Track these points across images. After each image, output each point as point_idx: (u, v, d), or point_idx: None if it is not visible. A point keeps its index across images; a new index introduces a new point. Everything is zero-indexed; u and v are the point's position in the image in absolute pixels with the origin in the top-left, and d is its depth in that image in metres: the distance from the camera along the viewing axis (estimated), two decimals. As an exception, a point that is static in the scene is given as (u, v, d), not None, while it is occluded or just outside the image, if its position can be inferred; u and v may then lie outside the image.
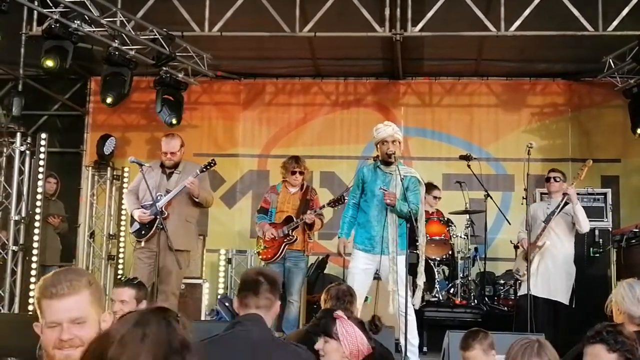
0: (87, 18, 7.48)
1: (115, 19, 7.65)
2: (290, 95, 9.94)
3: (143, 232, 6.17)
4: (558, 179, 6.76)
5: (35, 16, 7.81)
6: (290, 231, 6.76)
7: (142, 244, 6.18)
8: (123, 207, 8.70)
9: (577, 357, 3.38)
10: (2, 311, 7.29)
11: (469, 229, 8.17)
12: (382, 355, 4.15)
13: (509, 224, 8.16)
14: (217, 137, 9.85)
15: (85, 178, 9.77)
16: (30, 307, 7.58)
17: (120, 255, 9.30)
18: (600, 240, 7.63)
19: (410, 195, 5.59)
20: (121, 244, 9.29)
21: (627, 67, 8.12)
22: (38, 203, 7.68)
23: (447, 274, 8.15)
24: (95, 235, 9.67)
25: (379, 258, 5.66)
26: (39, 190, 7.68)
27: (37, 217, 7.66)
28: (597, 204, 7.86)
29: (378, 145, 5.80)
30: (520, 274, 6.68)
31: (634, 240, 7.21)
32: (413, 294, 5.96)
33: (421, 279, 5.89)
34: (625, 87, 8.40)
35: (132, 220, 6.30)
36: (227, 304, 8.05)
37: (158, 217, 5.93)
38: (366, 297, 6.06)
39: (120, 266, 9.29)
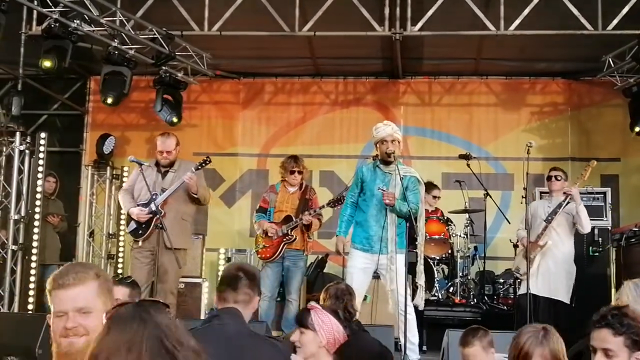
0: (86, 17, 7.48)
1: (114, 18, 7.66)
2: (289, 94, 9.94)
3: (140, 231, 6.17)
4: (559, 178, 6.76)
5: (34, 15, 7.81)
6: (289, 230, 6.76)
7: (140, 243, 6.19)
8: (122, 206, 8.72)
9: (577, 354, 3.39)
10: (1, 310, 7.30)
11: (469, 228, 8.18)
12: (381, 354, 4.15)
13: (509, 223, 8.17)
14: (217, 136, 9.85)
15: (85, 177, 9.79)
16: (30, 307, 7.59)
17: (120, 255, 9.32)
18: (600, 239, 7.63)
19: (409, 195, 5.59)
20: (120, 243, 9.30)
21: (627, 66, 8.11)
22: (37, 202, 7.69)
23: (446, 273, 8.16)
24: (94, 234, 9.68)
25: (377, 257, 5.66)
26: (39, 189, 7.68)
27: (37, 217, 7.67)
28: (596, 203, 7.86)
29: (377, 145, 5.80)
30: (520, 272, 6.67)
31: (633, 239, 7.20)
32: (413, 293, 5.96)
33: (421, 279, 5.89)
34: (624, 86, 8.39)
35: (129, 219, 6.30)
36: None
37: (158, 216, 5.94)
38: (365, 296, 6.07)
39: (119, 265, 9.31)
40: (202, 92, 9.93)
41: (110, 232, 9.61)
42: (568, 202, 6.51)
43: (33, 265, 7.61)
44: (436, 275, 7.82)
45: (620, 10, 7.29)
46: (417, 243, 5.95)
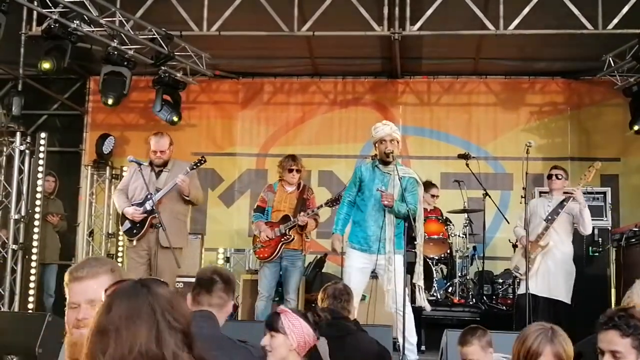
0: (86, 18, 7.49)
1: (114, 18, 7.67)
2: (288, 94, 9.94)
3: (135, 231, 6.19)
4: (560, 177, 6.74)
5: (34, 16, 7.82)
6: (287, 230, 6.77)
7: (134, 242, 6.21)
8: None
9: (577, 355, 3.39)
10: (2, 309, 7.31)
11: (468, 227, 8.18)
12: (380, 354, 4.16)
13: (508, 222, 8.16)
14: (216, 136, 9.86)
15: (85, 177, 9.80)
16: (30, 306, 7.61)
17: (119, 254, 9.32)
18: (600, 239, 7.60)
19: (408, 196, 5.57)
20: (120, 243, 9.31)
21: (627, 65, 8.10)
22: (37, 202, 7.71)
23: (445, 272, 8.16)
24: (94, 234, 9.70)
25: (375, 257, 5.65)
26: (39, 189, 7.71)
27: (37, 216, 7.70)
28: (596, 202, 7.85)
29: (376, 144, 5.79)
30: (520, 272, 6.65)
31: (633, 240, 7.19)
32: (411, 294, 5.96)
33: (421, 280, 5.89)
34: (624, 85, 8.38)
35: (123, 219, 6.32)
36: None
37: (157, 215, 5.95)
38: (364, 296, 6.06)
39: (119, 265, 9.31)
40: (201, 92, 9.94)
41: (110, 232, 9.63)
42: (567, 201, 6.49)
43: (33, 264, 7.63)
44: (435, 275, 7.82)
45: (620, 10, 7.28)
46: (415, 243, 5.95)
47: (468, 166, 7.84)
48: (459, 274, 7.94)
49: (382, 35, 7.81)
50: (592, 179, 6.73)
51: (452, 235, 8.08)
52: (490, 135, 9.56)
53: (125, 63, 7.96)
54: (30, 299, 7.64)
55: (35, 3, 7.41)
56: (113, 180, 9.69)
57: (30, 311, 7.51)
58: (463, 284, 7.94)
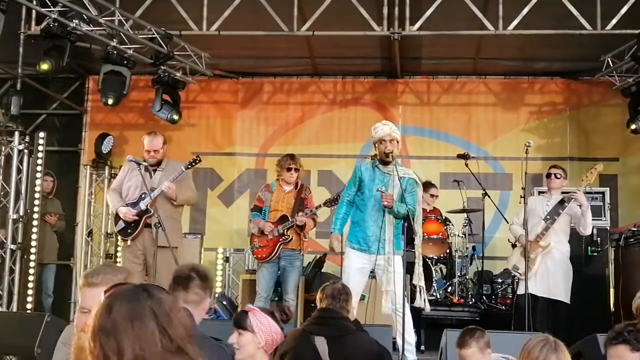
0: (85, 17, 7.47)
1: (113, 18, 7.65)
2: (288, 94, 9.94)
3: (129, 230, 6.20)
4: (559, 176, 6.74)
5: (33, 15, 7.81)
6: (286, 230, 6.76)
7: (129, 242, 6.20)
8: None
9: (577, 354, 3.40)
10: (0, 309, 7.30)
11: (467, 227, 8.17)
12: (380, 354, 4.16)
13: (507, 222, 8.15)
14: (215, 135, 9.85)
15: (83, 177, 9.79)
16: (29, 306, 7.60)
17: (118, 254, 9.30)
18: (599, 239, 7.60)
19: (407, 197, 5.56)
20: (119, 243, 9.28)
21: (626, 65, 8.11)
22: (36, 202, 7.71)
23: (444, 272, 8.16)
24: (93, 233, 9.69)
25: (374, 258, 5.63)
26: (37, 189, 7.70)
27: (35, 216, 7.69)
28: (595, 202, 7.84)
29: (376, 144, 5.77)
30: (520, 272, 6.65)
31: (632, 239, 7.19)
32: (410, 294, 5.96)
33: (421, 280, 5.88)
34: (623, 85, 8.38)
35: (117, 218, 6.32)
36: (224, 302, 8.06)
37: (157, 215, 5.94)
38: (363, 296, 6.06)
39: (118, 264, 9.29)
40: (200, 92, 9.93)
41: (109, 232, 9.62)
42: (568, 201, 6.48)
43: (32, 264, 7.63)
44: (434, 275, 7.81)
45: (619, 10, 7.28)
46: (415, 244, 5.95)
47: (467, 166, 7.83)
48: (459, 274, 7.94)
49: (381, 35, 7.81)
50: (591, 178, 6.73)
51: (452, 235, 8.08)
52: (489, 135, 9.56)
53: (125, 62, 7.95)
54: (29, 299, 7.64)
55: (35, 2, 7.40)
56: (112, 180, 9.66)
57: (28, 311, 7.50)
58: (462, 283, 7.94)
